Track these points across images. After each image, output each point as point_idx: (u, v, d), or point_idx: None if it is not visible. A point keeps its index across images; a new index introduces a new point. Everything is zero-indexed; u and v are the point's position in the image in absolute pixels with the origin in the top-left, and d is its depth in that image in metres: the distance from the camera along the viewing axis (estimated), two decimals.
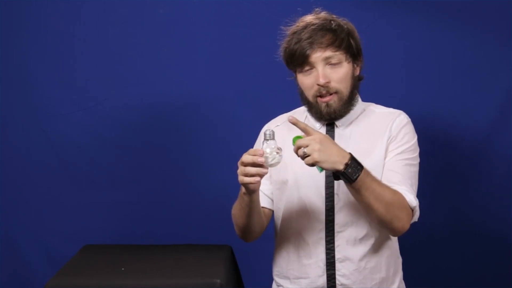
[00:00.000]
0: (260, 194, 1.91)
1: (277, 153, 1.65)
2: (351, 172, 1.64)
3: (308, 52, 1.78)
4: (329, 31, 1.80)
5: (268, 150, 1.65)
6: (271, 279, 2.05)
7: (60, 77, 2.63)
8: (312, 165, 1.63)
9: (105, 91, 2.63)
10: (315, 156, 1.61)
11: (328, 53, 1.78)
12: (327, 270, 1.85)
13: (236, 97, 2.59)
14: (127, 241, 2.49)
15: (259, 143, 1.99)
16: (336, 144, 1.67)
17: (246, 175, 1.67)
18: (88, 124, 2.65)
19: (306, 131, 1.67)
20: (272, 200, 1.97)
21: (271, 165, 1.66)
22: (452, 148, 2.52)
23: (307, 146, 1.62)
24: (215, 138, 2.62)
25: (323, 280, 1.86)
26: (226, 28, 2.56)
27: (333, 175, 1.70)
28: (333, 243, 1.84)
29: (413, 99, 2.48)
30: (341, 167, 1.63)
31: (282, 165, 1.83)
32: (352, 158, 1.65)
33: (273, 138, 1.66)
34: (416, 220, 1.82)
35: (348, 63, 1.82)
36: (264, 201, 1.95)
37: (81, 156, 2.66)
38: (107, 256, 2.19)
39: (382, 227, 1.78)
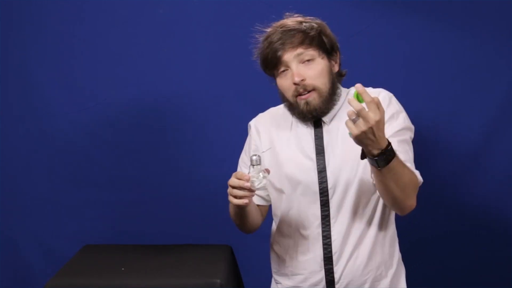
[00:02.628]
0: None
1: (264, 177, 1.69)
2: (383, 159, 1.60)
3: (280, 52, 1.80)
4: (298, 31, 1.81)
5: (254, 174, 1.69)
6: (270, 279, 2.05)
7: (60, 77, 2.63)
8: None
9: (105, 91, 2.63)
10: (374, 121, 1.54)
11: (300, 50, 1.80)
12: (325, 265, 1.86)
13: (236, 97, 2.59)
14: (127, 241, 2.49)
15: (249, 144, 2.01)
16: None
17: (235, 197, 1.71)
18: (88, 124, 2.64)
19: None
20: (266, 198, 1.99)
21: (258, 189, 1.70)
22: (452, 148, 2.52)
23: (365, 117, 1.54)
24: (215, 138, 2.62)
25: (321, 275, 1.87)
26: (226, 28, 2.56)
27: (361, 154, 1.65)
28: (330, 238, 1.85)
29: (413, 99, 2.47)
30: (375, 152, 1.59)
31: (277, 170, 1.87)
32: (389, 145, 1.60)
33: (260, 163, 1.70)
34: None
35: (322, 59, 1.82)
36: (258, 200, 1.97)
37: (81, 156, 2.66)
38: (107, 256, 2.19)
39: (393, 205, 1.77)
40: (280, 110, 2.00)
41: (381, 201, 1.88)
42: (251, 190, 1.70)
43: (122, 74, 2.62)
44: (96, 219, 2.67)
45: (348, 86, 1.92)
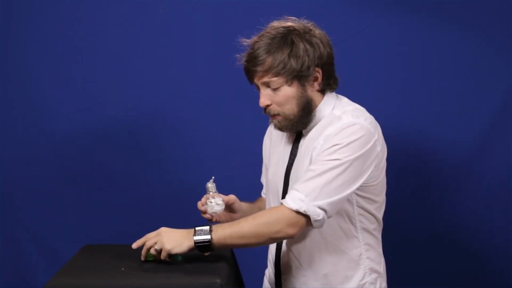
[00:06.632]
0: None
1: (217, 204, 1.91)
2: (202, 241, 1.76)
3: (250, 74, 1.79)
4: (267, 57, 1.74)
5: (211, 200, 1.92)
6: None
7: (60, 77, 2.64)
8: (170, 256, 1.76)
9: (105, 91, 2.63)
10: (167, 247, 1.75)
11: (266, 79, 1.76)
12: (276, 259, 1.95)
13: (236, 97, 2.59)
14: (127, 241, 2.48)
15: (264, 151, 2.04)
16: (174, 229, 1.83)
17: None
18: (88, 124, 2.65)
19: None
20: None
21: (212, 213, 1.94)
22: (452, 149, 2.52)
23: (154, 244, 1.78)
24: (215, 138, 2.62)
25: (271, 265, 1.99)
26: (226, 28, 2.56)
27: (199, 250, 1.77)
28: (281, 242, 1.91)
29: (413, 100, 2.48)
30: (192, 242, 1.75)
31: (267, 183, 1.96)
32: (197, 230, 1.78)
33: (211, 191, 1.91)
34: (321, 218, 1.68)
35: (289, 86, 1.76)
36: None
37: (81, 156, 2.66)
38: (107, 256, 2.19)
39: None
40: None
41: (346, 219, 1.82)
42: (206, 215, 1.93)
43: (122, 74, 2.63)
44: (96, 219, 2.67)
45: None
